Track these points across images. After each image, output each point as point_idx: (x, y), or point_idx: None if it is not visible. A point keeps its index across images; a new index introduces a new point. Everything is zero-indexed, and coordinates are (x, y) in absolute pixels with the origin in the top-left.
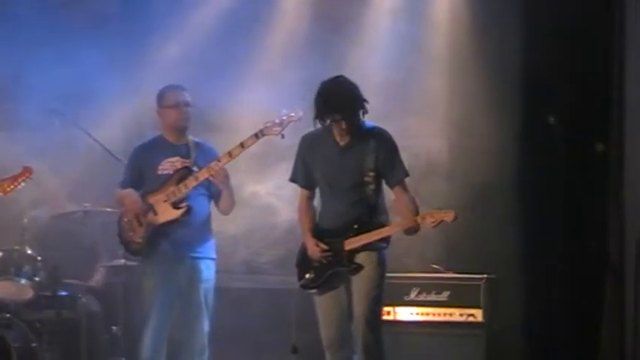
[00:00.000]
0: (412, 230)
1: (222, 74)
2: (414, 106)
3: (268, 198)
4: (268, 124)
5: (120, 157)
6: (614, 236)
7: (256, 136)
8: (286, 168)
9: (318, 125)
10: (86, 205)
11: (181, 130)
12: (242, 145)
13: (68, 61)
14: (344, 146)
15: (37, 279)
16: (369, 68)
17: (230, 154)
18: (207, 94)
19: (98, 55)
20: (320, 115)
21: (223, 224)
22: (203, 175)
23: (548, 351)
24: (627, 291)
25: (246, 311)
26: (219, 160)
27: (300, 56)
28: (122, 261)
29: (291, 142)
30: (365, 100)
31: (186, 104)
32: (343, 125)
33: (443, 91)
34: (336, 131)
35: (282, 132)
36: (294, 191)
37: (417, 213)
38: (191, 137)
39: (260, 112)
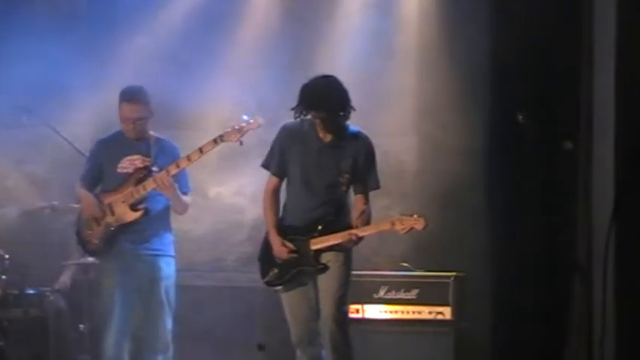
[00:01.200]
0: (354, 242)
1: (191, 70)
2: (384, 104)
3: (234, 197)
4: (228, 130)
5: (87, 155)
6: (583, 235)
7: (215, 141)
8: (254, 165)
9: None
10: (54, 202)
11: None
12: (200, 150)
13: (35, 57)
14: (326, 144)
15: (4, 277)
16: (339, 66)
17: (189, 158)
18: (176, 91)
19: (66, 50)
20: (298, 108)
21: (190, 223)
22: (157, 181)
23: (517, 349)
24: (595, 290)
25: (213, 309)
26: (177, 165)
27: (270, 52)
28: (90, 258)
29: (254, 142)
30: (350, 106)
31: (138, 119)
32: (320, 124)
33: (413, 89)
34: (318, 127)
35: (241, 139)
36: (260, 189)
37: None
38: (153, 133)
39: (229, 109)
